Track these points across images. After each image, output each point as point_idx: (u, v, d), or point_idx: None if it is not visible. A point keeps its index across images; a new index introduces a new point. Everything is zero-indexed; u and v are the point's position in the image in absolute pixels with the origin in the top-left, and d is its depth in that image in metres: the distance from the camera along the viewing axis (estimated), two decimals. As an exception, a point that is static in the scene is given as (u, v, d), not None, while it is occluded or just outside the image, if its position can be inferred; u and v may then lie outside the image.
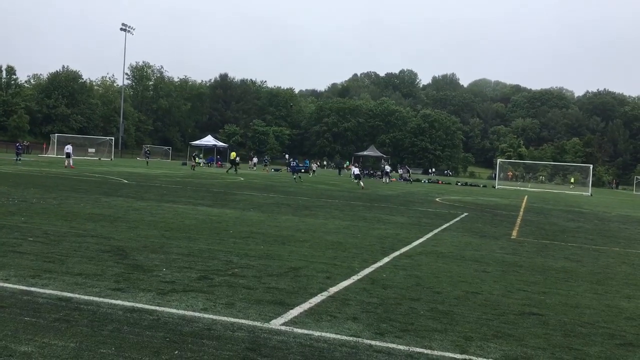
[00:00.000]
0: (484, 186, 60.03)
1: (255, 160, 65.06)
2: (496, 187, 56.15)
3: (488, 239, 13.44)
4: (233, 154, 49.91)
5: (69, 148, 40.48)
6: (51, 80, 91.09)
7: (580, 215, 24.79)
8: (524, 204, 29.64)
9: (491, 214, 21.57)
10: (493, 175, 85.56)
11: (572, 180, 76.06)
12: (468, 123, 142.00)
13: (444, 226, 15.69)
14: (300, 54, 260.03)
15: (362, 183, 34.62)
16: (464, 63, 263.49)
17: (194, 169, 48.92)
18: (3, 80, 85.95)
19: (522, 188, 60.31)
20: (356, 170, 37.99)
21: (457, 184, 61.32)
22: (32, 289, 6.03)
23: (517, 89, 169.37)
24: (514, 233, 15.26)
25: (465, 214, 20.75)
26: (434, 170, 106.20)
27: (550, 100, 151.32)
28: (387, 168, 47.19)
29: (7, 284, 6.17)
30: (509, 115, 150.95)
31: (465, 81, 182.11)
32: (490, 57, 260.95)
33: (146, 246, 9.01)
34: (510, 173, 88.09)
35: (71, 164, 37.10)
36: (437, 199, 28.90)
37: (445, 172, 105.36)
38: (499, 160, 72.14)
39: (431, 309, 6.39)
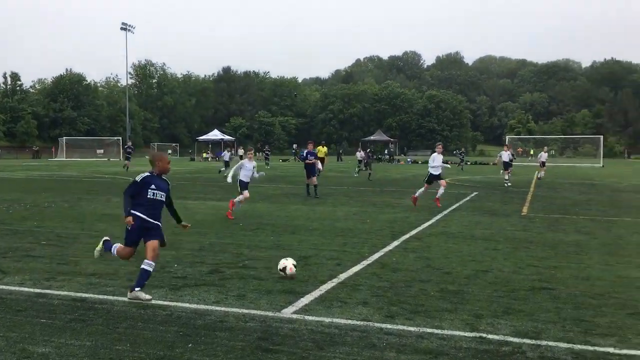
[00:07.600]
0: (494, 164, 59.60)
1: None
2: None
3: (498, 217, 13.43)
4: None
5: (226, 155, 32.43)
6: (56, 84, 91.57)
7: (591, 187, 24.66)
8: (534, 180, 29.49)
9: (501, 192, 21.50)
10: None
11: (532, 152, 76.30)
12: (475, 101, 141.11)
13: (454, 206, 15.69)
14: (303, 42, 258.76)
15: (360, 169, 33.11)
16: (468, 40, 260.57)
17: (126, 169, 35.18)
18: (8, 87, 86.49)
19: (533, 164, 59.92)
20: (360, 155, 35.64)
21: (466, 164, 60.96)
22: (47, 291, 6.14)
23: (523, 63, 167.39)
24: (525, 209, 15.23)
25: (475, 193, 20.70)
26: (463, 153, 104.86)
27: (558, 73, 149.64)
28: (360, 155, 35.94)
29: (23, 287, 6.28)
30: (516, 91, 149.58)
31: (470, 59, 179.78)
32: (495, 32, 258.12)
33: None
34: (520, 149, 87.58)
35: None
36: (446, 180, 28.75)
37: (454, 152, 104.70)
38: (507, 137, 71.59)
39: (441, 289, 6.43)
